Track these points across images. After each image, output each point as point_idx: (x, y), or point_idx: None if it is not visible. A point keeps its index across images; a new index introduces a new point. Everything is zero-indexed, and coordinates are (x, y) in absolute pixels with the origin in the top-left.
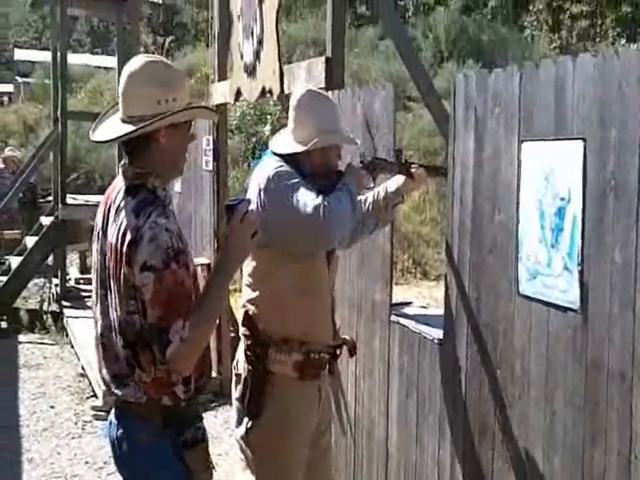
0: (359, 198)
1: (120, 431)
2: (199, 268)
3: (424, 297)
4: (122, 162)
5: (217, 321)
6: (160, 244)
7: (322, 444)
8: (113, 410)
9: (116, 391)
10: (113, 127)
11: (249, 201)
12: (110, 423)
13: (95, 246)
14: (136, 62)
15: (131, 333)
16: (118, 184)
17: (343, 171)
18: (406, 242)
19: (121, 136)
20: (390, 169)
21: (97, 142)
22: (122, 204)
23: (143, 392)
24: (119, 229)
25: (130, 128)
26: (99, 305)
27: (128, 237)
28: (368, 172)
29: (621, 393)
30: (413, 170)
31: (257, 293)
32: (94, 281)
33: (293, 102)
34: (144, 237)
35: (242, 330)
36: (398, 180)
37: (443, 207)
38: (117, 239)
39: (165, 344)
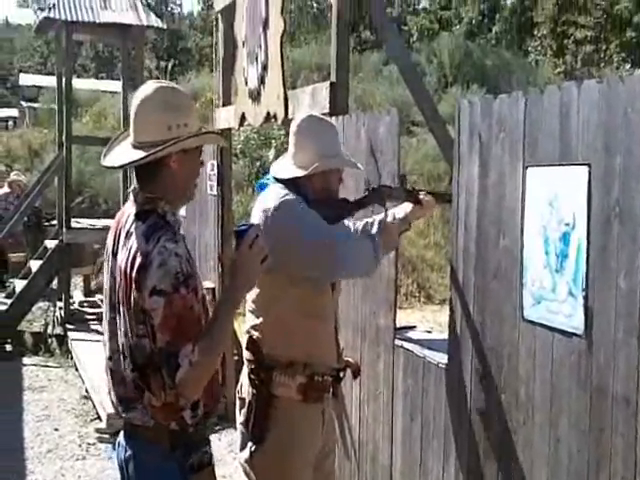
0: (367, 221)
1: (128, 453)
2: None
3: (428, 321)
4: (133, 187)
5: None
6: (169, 269)
7: (326, 467)
8: (122, 432)
9: (124, 414)
10: (124, 153)
11: (258, 226)
12: (118, 445)
13: (106, 268)
14: (147, 88)
15: (141, 357)
16: (128, 209)
17: (347, 199)
18: (410, 266)
19: (133, 162)
20: (397, 196)
21: (108, 167)
22: (132, 229)
23: (150, 416)
24: (129, 253)
25: (141, 154)
26: (107, 328)
27: (138, 262)
28: (376, 200)
29: (626, 419)
30: (421, 197)
31: (261, 319)
32: (105, 303)
33: (293, 127)
34: (153, 262)
35: (246, 354)
36: (406, 207)
37: (447, 231)
38: (127, 263)
39: (174, 368)
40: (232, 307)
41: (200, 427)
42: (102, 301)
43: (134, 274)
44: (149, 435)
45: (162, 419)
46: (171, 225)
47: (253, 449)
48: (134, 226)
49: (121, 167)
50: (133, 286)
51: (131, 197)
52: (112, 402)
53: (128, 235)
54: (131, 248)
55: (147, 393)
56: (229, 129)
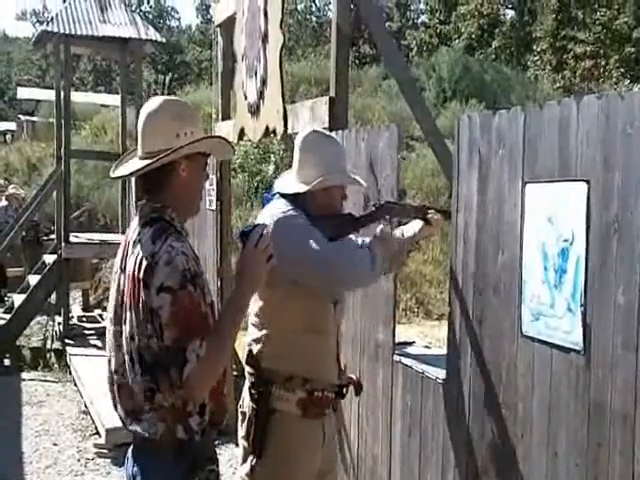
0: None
1: (135, 468)
2: None
3: (426, 336)
4: (137, 203)
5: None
6: (176, 266)
7: None
8: (131, 447)
9: (131, 427)
10: (133, 164)
11: (263, 226)
12: (127, 459)
13: (113, 287)
14: (153, 102)
15: (149, 357)
16: (134, 224)
17: (352, 214)
18: (409, 281)
19: (141, 168)
20: (404, 214)
21: (117, 178)
22: (139, 236)
23: (158, 421)
24: (136, 258)
25: (149, 161)
26: (113, 343)
27: (145, 263)
28: (380, 217)
29: (623, 434)
30: (429, 215)
31: (264, 332)
32: (109, 321)
33: (298, 142)
34: (160, 260)
35: (247, 368)
36: (415, 226)
37: (445, 247)
38: (134, 267)
39: (182, 364)
40: (240, 305)
41: (206, 438)
42: (102, 317)
43: (142, 275)
44: (155, 447)
45: (170, 421)
46: (178, 230)
47: (253, 463)
48: (141, 234)
49: (130, 175)
50: (141, 286)
51: (137, 212)
52: (120, 417)
53: (135, 243)
54: (138, 252)
55: (157, 395)
56: None
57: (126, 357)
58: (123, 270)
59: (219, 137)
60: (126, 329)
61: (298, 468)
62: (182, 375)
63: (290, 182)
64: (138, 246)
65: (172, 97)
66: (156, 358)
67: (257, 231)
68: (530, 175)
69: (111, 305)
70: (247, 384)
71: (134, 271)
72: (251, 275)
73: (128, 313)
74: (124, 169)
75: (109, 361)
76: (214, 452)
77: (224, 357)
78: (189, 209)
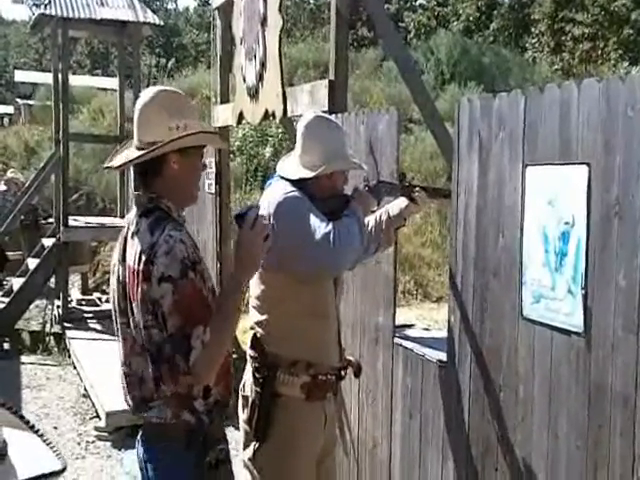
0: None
1: (147, 454)
2: None
3: (425, 319)
4: (135, 192)
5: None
6: (176, 255)
7: (327, 465)
8: (140, 433)
9: (143, 415)
10: (127, 154)
11: (258, 207)
12: (138, 445)
13: (113, 279)
14: (149, 92)
15: (153, 348)
16: (132, 215)
17: (350, 195)
18: (407, 264)
19: (133, 159)
20: (394, 192)
21: (110, 168)
22: (137, 228)
23: (167, 407)
24: (136, 250)
25: (142, 152)
26: (121, 334)
27: (145, 254)
28: (373, 195)
29: (624, 416)
30: (416, 193)
31: (266, 316)
32: (114, 313)
33: (301, 127)
34: (159, 251)
35: (250, 352)
36: (400, 203)
37: (444, 229)
38: (134, 259)
39: (187, 351)
40: (239, 287)
41: (215, 420)
42: (101, 300)
43: (142, 266)
44: (166, 432)
45: (175, 407)
46: (175, 220)
47: (256, 447)
48: (139, 224)
49: (123, 165)
50: (141, 277)
51: (134, 202)
52: (130, 407)
53: (133, 234)
54: (137, 244)
55: (162, 385)
56: (227, 127)
57: (133, 347)
58: (122, 261)
59: (210, 132)
60: (133, 321)
61: (301, 452)
62: (189, 362)
63: (293, 167)
64: (136, 238)
65: (168, 88)
66: (159, 348)
67: (252, 213)
68: (531, 158)
69: (114, 297)
70: (250, 368)
71: (134, 263)
72: (248, 257)
73: (134, 305)
74: (118, 159)
75: (119, 353)
76: (223, 432)
77: (227, 340)
78: (184, 199)
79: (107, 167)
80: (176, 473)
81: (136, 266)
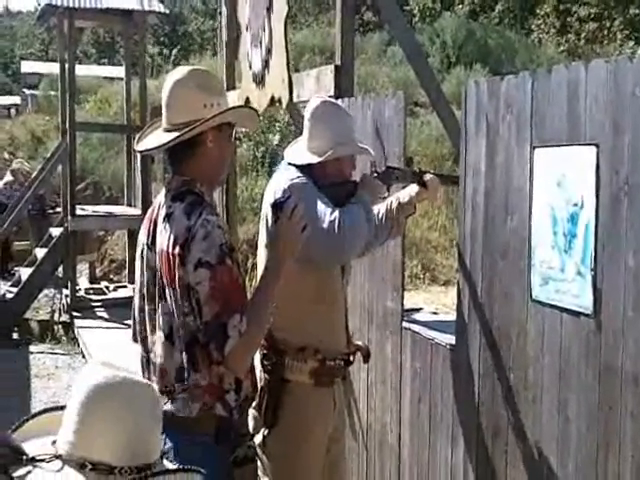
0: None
1: (167, 445)
2: None
3: (433, 302)
4: (166, 177)
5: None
6: (214, 240)
7: (336, 450)
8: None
9: (164, 407)
10: (159, 137)
11: (296, 197)
12: None
13: (139, 265)
14: (180, 71)
15: (186, 334)
16: (160, 200)
17: (358, 181)
18: (415, 248)
19: (170, 140)
20: (404, 178)
21: (143, 151)
22: (170, 210)
23: (193, 401)
24: (169, 233)
25: (177, 134)
26: (148, 323)
27: (181, 238)
28: (382, 182)
29: (635, 397)
30: (426, 179)
31: (274, 303)
32: (138, 301)
33: (308, 113)
34: (197, 235)
35: None
36: (411, 190)
37: (451, 213)
38: (169, 243)
39: (223, 340)
40: (275, 277)
41: (244, 413)
42: (108, 289)
43: (177, 250)
44: (192, 425)
45: (208, 398)
46: (210, 204)
47: (266, 433)
48: (172, 208)
49: (160, 147)
50: (177, 262)
51: (164, 186)
52: None
53: (165, 218)
54: (172, 228)
55: (193, 375)
56: None
57: (161, 335)
58: (151, 247)
59: (248, 107)
60: (165, 306)
61: (311, 437)
62: (223, 351)
63: (301, 152)
64: (170, 222)
65: (198, 67)
66: (194, 335)
67: (290, 203)
68: (539, 140)
69: (141, 282)
70: (258, 355)
71: (168, 247)
72: (286, 246)
73: (166, 290)
74: (149, 142)
75: (143, 340)
76: (248, 429)
77: (263, 330)
78: (215, 181)
79: (142, 151)
80: (202, 467)
81: (171, 249)
